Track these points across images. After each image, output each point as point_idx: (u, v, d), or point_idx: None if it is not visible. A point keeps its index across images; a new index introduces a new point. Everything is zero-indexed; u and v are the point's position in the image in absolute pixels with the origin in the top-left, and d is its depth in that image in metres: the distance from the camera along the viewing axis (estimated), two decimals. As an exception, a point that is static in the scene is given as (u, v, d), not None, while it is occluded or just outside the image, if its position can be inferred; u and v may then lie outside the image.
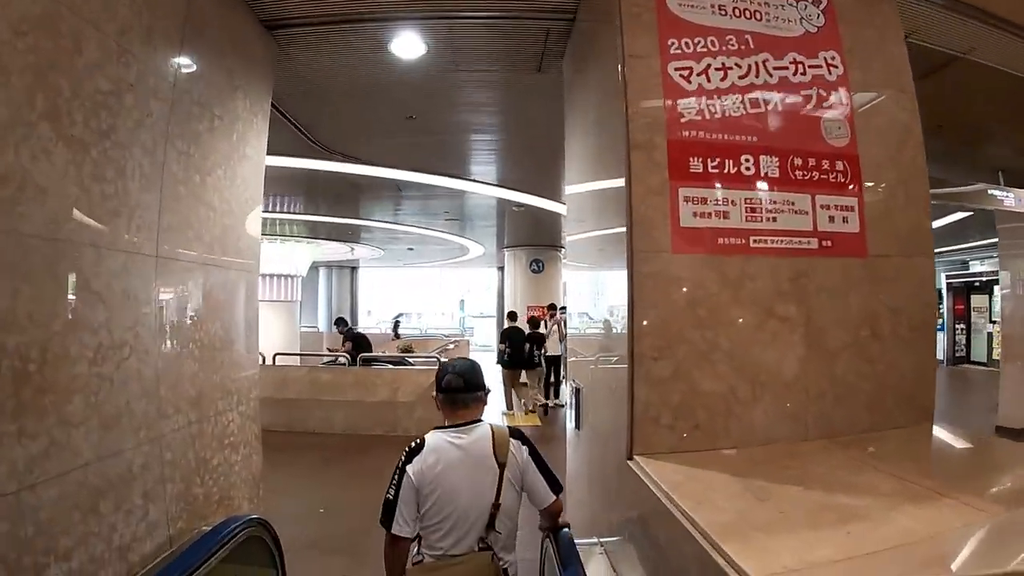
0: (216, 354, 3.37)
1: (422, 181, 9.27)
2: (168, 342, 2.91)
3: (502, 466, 2.61)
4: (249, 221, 3.86)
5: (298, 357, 12.39)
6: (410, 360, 12.37)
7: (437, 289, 35.67)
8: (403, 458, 2.67)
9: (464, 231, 16.04)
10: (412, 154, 8.24)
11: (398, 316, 25.36)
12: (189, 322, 3.12)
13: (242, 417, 3.70)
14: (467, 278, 33.54)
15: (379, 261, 25.35)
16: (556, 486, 2.75)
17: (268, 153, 4.16)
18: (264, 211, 12.16)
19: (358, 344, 11.88)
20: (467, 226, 15.05)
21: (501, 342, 12.43)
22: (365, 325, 25.97)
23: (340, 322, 13.71)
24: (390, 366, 11.67)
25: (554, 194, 10.48)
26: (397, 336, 19.93)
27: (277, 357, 11.82)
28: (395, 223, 14.11)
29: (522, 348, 11.88)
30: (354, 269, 27.92)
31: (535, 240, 17.26)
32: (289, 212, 12.73)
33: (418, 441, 2.72)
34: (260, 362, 11.13)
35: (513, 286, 18.14)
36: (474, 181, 9.57)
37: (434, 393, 2.89)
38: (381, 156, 8.32)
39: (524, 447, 2.72)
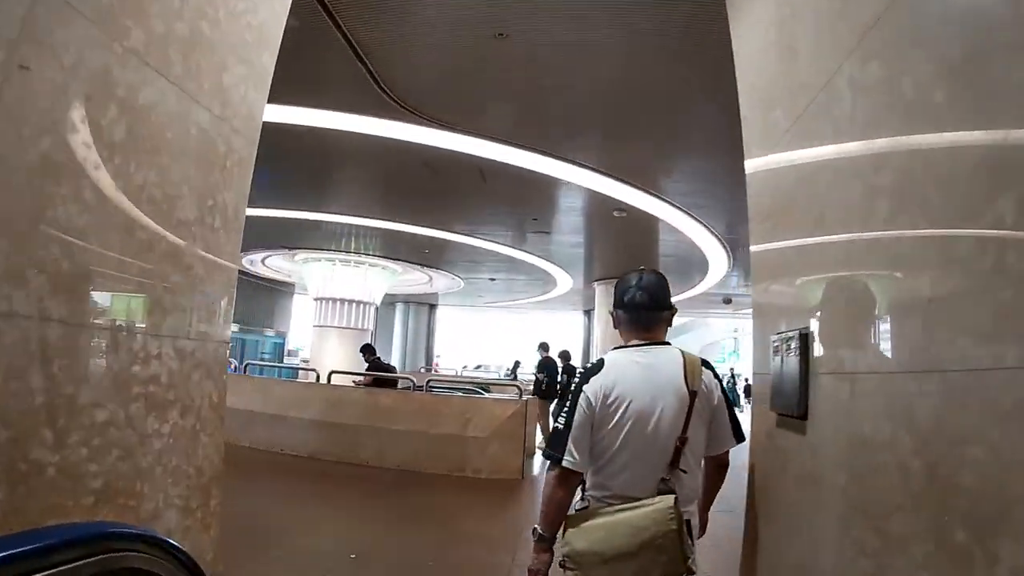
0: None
1: (510, 162, 7.76)
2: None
3: (693, 394, 2.08)
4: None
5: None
6: (483, 388, 10.80)
7: (520, 338, 34.45)
8: (578, 379, 2.20)
9: (551, 255, 14.44)
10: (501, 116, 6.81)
11: (517, 361, 24.05)
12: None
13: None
14: (552, 325, 32.13)
15: (459, 298, 24.12)
16: (740, 434, 2.24)
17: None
18: (335, 214, 11.99)
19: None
20: (556, 247, 13.47)
21: (539, 371, 11.97)
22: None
23: (368, 349, 12.67)
24: (460, 394, 10.07)
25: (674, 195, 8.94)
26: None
27: (333, 375, 10.73)
28: (476, 234, 12.64)
29: (555, 379, 11.70)
30: (432, 307, 26.67)
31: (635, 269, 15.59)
32: (361, 215, 11.61)
33: (595, 361, 2.25)
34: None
35: (604, 330, 16.39)
36: (572, 163, 7.96)
37: (611, 310, 2.36)
38: (465, 118, 6.91)
39: (717, 381, 2.21)
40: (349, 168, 9.14)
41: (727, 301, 19.82)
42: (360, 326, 17.12)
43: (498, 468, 8.34)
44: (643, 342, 2.23)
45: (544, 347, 12.55)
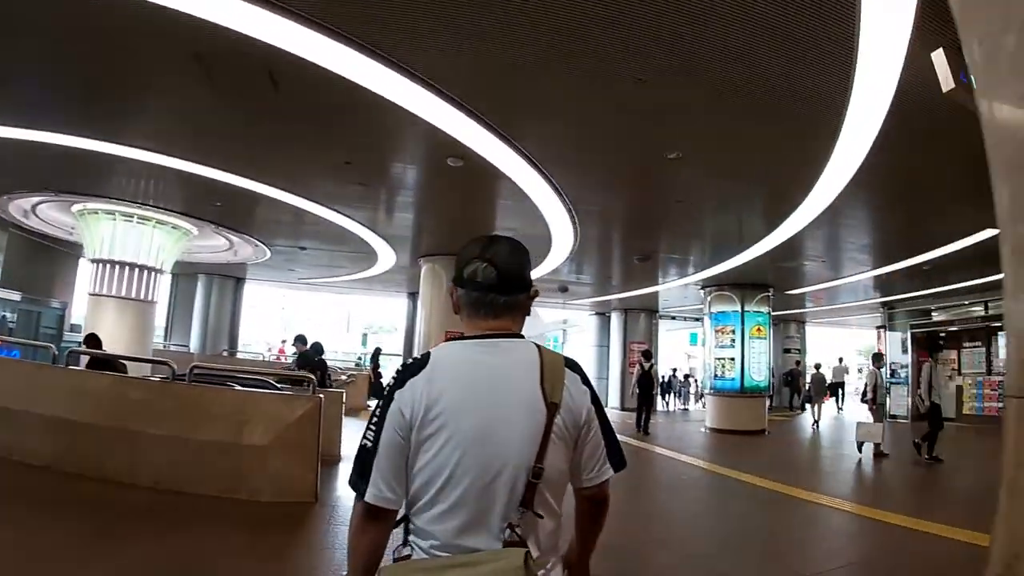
0: None
1: (313, 58, 5.57)
2: None
3: (553, 408, 1.57)
4: None
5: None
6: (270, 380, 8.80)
7: (336, 323, 32.28)
8: (393, 381, 1.64)
9: (373, 222, 12.34)
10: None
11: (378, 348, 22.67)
12: None
13: None
14: (371, 311, 30.09)
15: (269, 272, 21.40)
16: (619, 459, 1.73)
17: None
18: (105, 140, 8.34)
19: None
20: (376, 209, 11.45)
21: (298, 366, 11.25)
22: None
23: (302, 340, 11.75)
24: (238, 387, 7.93)
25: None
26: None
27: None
28: (271, 181, 9.97)
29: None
30: (239, 281, 23.68)
31: (453, 248, 13.83)
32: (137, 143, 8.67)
33: (419, 356, 1.65)
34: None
35: (429, 314, 14.58)
36: (401, 69, 5.79)
37: (451, 287, 1.76)
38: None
39: (586, 388, 1.67)
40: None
41: (563, 289, 18.69)
42: (145, 297, 14.21)
43: (284, 488, 6.40)
44: (488, 334, 1.66)
45: (301, 340, 11.88)
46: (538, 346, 1.69)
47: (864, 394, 12.61)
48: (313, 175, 9.65)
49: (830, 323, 32.11)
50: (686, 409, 26.45)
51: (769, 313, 17.22)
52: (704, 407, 27.01)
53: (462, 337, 1.71)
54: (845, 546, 6.23)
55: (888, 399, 12.35)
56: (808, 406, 19.47)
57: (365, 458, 1.59)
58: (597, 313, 26.34)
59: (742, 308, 16.70)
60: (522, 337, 1.71)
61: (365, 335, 52.99)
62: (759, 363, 16.71)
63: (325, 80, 5.90)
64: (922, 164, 7.98)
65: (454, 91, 6.17)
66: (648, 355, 17.31)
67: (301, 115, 7.08)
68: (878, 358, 13.47)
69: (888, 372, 22.05)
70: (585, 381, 1.69)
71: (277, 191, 10.22)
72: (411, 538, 1.60)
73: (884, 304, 22.26)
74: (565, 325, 36.17)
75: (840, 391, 26.67)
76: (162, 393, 7.32)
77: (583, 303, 23.42)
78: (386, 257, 15.66)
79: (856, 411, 26.71)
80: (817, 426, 18.26)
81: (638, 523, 6.79)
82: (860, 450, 12.01)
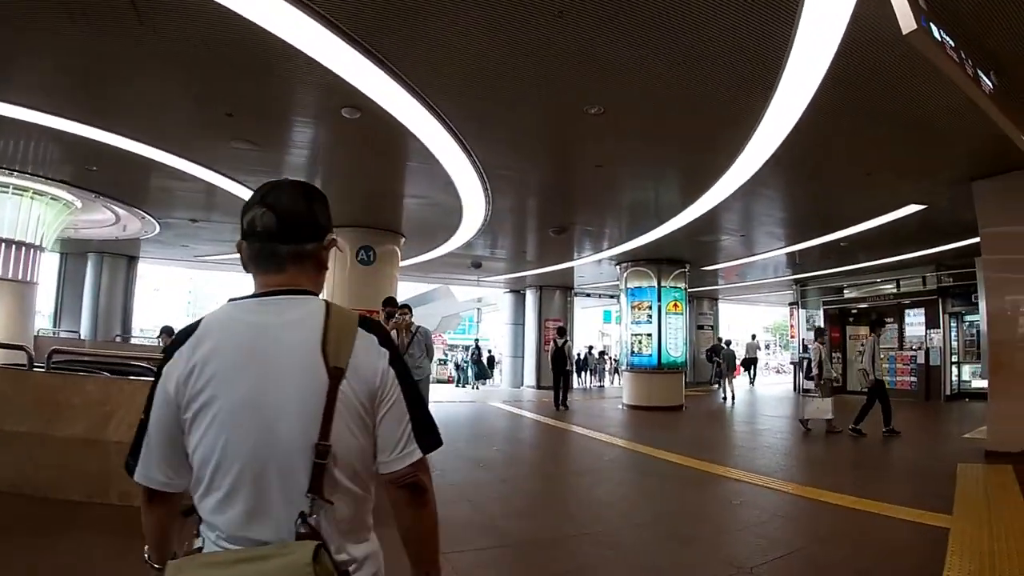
0: None
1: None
2: None
3: (336, 374, 1.35)
4: None
5: None
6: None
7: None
8: (163, 353, 1.51)
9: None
10: None
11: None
12: None
13: None
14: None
15: (163, 249, 19.89)
16: (429, 436, 1.48)
17: None
18: None
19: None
20: (268, 171, 10.19)
21: None
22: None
23: (168, 331, 11.08)
24: (107, 374, 7.01)
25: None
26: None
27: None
28: (149, 139, 8.77)
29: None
30: (132, 259, 21.94)
31: (367, 219, 13.05)
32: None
33: (189, 324, 1.46)
34: None
35: (331, 295, 13.68)
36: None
37: (238, 243, 1.50)
38: None
39: (385, 350, 1.45)
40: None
41: (476, 265, 18.07)
42: (23, 277, 12.87)
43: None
44: (270, 291, 1.44)
45: (168, 331, 11.30)
46: (328, 303, 1.44)
47: (809, 370, 12.36)
48: (193, 131, 8.49)
49: (742, 300, 32.70)
50: (601, 386, 26.36)
51: (685, 289, 17.06)
52: (620, 384, 27.23)
53: (241, 298, 1.47)
54: (792, 532, 5.79)
55: (833, 373, 12.07)
56: (720, 381, 19.52)
57: (137, 436, 1.45)
58: (512, 290, 25.85)
59: (658, 284, 16.46)
60: (310, 294, 1.47)
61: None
62: (676, 339, 16.53)
63: (196, 7, 5.05)
64: (845, 138, 7.82)
65: (346, 23, 5.33)
66: (562, 332, 17.33)
67: (173, 55, 6.05)
68: (820, 333, 13.30)
69: (800, 348, 22.54)
70: (386, 343, 1.46)
71: (156, 151, 9.05)
72: (202, 528, 1.40)
73: (797, 281, 22.62)
74: (479, 304, 35.62)
75: (753, 366, 27.61)
76: (16, 383, 6.33)
77: (497, 280, 22.85)
78: None
79: (770, 385, 27.85)
80: (730, 401, 18.44)
81: (561, 512, 6.30)
82: (806, 426, 11.77)
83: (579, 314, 29.75)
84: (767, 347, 52.46)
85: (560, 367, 16.31)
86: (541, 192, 10.77)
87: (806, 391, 12.75)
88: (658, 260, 16.41)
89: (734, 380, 21.20)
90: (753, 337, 29.38)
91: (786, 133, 7.37)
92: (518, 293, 25.55)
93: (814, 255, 16.19)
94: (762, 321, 65.76)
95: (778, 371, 47.02)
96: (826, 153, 8.47)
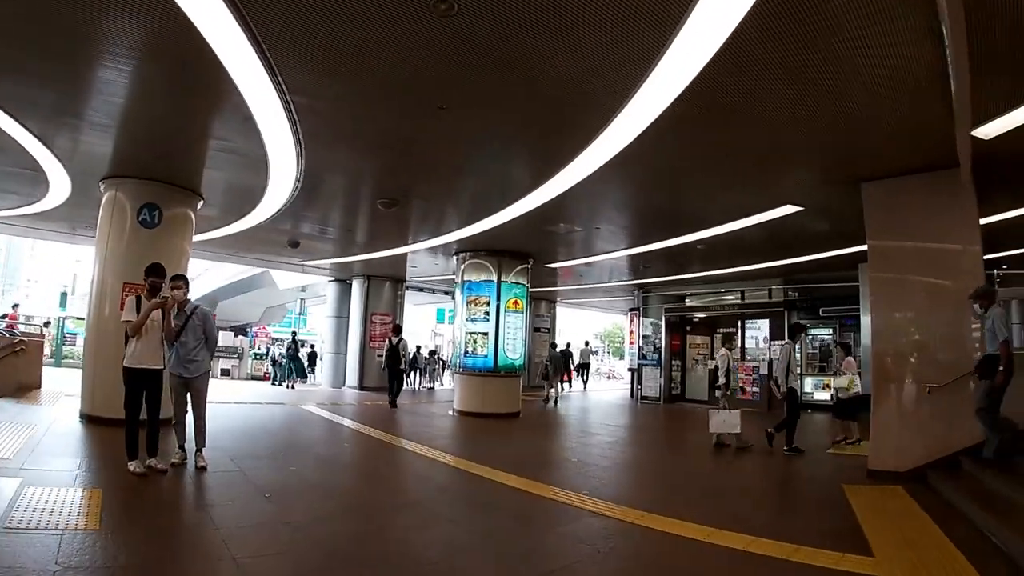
0: None
1: None
2: None
3: None
4: None
5: None
6: None
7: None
8: None
9: (26, 116, 8.14)
10: None
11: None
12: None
13: None
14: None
15: None
16: None
17: None
18: None
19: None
20: (28, 87, 7.39)
21: None
22: None
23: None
24: None
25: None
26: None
27: None
28: None
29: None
30: None
31: (153, 169, 10.31)
32: None
33: None
34: None
35: (104, 260, 10.80)
36: None
37: None
38: None
39: None
40: None
41: (293, 244, 15.60)
42: None
43: None
44: None
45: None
46: None
47: (715, 379, 11.09)
48: None
49: (580, 305, 32.00)
50: (431, 388, 24.44)
51: (527, 286, 15.51)
52: (452, 386, 25.48)
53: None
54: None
55: (736, 384, 10.89)
56: (545, 383, 18.41)
57: None
58: (337, 279, 23.36)
59: (499, 278, 14.76)
60: None
61: (64, 294, 45.23)
62: (515, 339, 14.90)
63: None
64: (728, 115, 6.67)
65: None
66: (398, 330, 16.86)
67: None
68: (728, 338, 12.10)
69: (639, 354, 21.85)
70: None
71: None
72: None
73: (640, 287, 21.88)
74: (304, 293, 32.59)
75: (586, 371, 28.64)
76: None
77: (323, 264, 20.18)
78: (59, 181, 11.51)
79: (605, 391, 27.36)
80: (552, 403, 18.25)
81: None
82: (717, 441, 10.54)
83: (410, 311, 27.75)
84: (595, 353, 52.89)
85: (394, 366, 15.82)
86: (367, 144, 8.45)
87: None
88: (500, 252, 14.77)
89: (563, 384, 21.38)
90: (587, 343, 29.89)
91: (662, 108, 6.35)
92: (344, 283, 23.07)
93: (665, 258, 15.21)
94: (593, 327, 66.97)
95: (609, 376, 47.38)
96: (702, 132, 7.31)
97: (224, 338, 28.33)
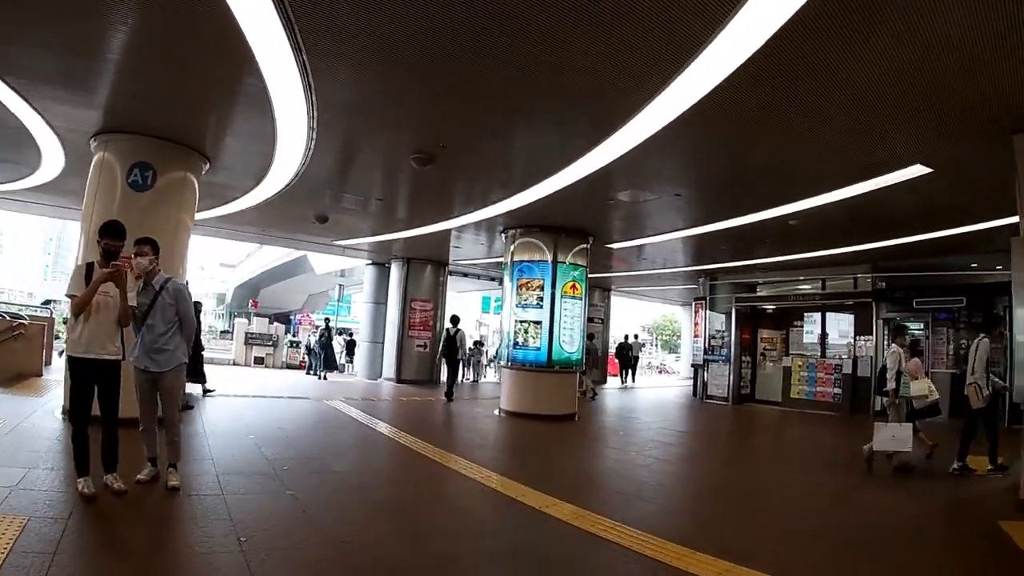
0: None
1: None
2: None
3: None
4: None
5: None
6: None
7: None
8: None
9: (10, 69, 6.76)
10: None
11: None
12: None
13: None
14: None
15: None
16: None
17: None
18: None
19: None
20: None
21: None
22: None
23: None
24: None
25: None
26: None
27: None
28: None
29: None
30: None
31: (147, 122, 8.59)
32: None
33: None
34: None
35: (91, 220, 8.98)
36: None
37: None
38: None
39: None
40: None
41: (322, 219, 13.80)
42: None
43: None
44: None
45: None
46: None
47: (883, 382, 8.94)
48: None
49: (629, 293, 29.76)
50: (475, 381, 22.53)
51: (586, 268, 13.43)
52: (497, 378, 23.57)
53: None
54: None
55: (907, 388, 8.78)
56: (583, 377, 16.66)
57: None
58: (375, 262, 21.59)
59: (555, 258, 12.71)
60: None
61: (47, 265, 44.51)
62: (572, 329, 12.84)
63: None
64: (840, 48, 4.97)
65: None
66: (456, 320, 16.06)
67: None
68: (900, 331, 9.77)
69: (705, 349, 19.73)
70: None
71: None
72: None
73: (705, 273, 19.65)
74: (343, 279, 30.95)
75: (633, 365, 27.00)
76: None
77: (360, 245, 18.29)
78: (54, 154, 10.11)
79: (659, 387, 25.26)
80: (592, 397, 16.97)
81: None
82: (870, 465, 8.35)
83: (453, 298, 25.97)
84: (642, 346, 50.60)
85: (452, 357, 15.52)
86: (393, 65, 6.45)
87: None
88: (555, 229, 12.73)
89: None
90: (636, 337, 29.11)
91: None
92: (382, 266, 21.29)
93: (744, 237, 13.00)
94: (640, 319, 64.42)
95: (660, 371, 45.07)
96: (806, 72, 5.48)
97: (259, 324, 27.03)
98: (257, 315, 32.72)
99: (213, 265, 79.21)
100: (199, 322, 12.49)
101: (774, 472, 8.76)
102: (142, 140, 8.94)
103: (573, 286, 12.81)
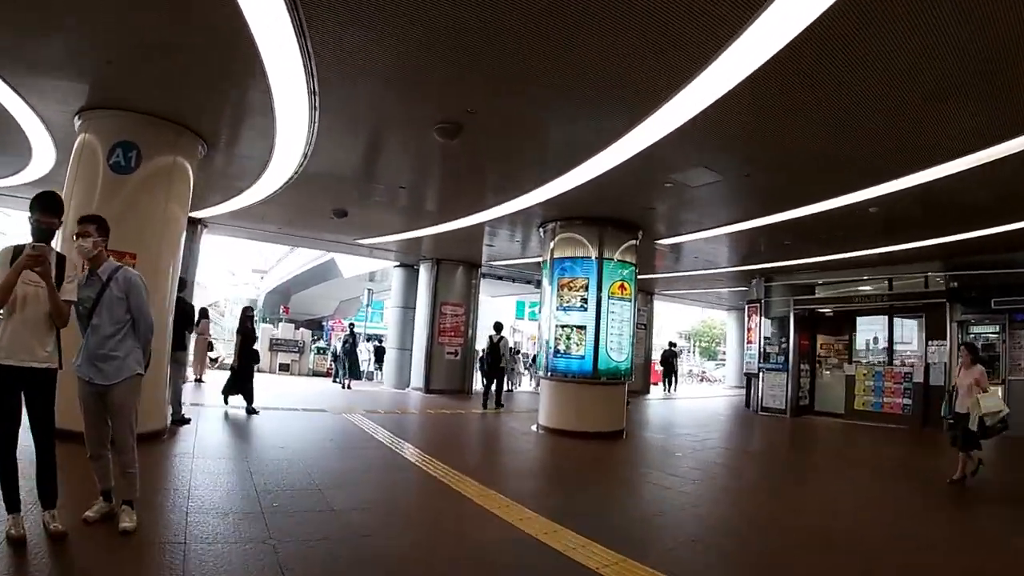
0: None
1: None
2: None
3: None
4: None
5: None
6: None
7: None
8: None
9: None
10: None
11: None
12: None
13: None
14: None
15: None
16: None
17: None
18: None
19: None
20: None
21: None
22: None
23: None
24: None
25: None
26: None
27: None
28: None
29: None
30: None
31: (131, 94, 7.42)
32: None
33: None
34: None
35: (68, 207, 7.70)
36: None
37: None
38: None
39: None
40: None
41: (340, 213, 12.54)
42: None
43: None
44: None
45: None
46: None
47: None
48: None
49: (670, 297, 27.98)
50: (510, 390, 21.04)
51: (635, 267, 11.95)
52: (532, 386, 22.15)
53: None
54: None
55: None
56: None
57: None
58: (403, 264, 20.30)
59: (600, 255, 11.27)
60: None
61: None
62: (620, 335, 11.35)
63: None
64: None
65: None
66: (499, 327, 15.69)
67: None
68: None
69: (760, 356, 18.11)
70: None
71: None
72: None
73: (760, 273, 18.01)
74: (372, 283, 29.74)
75: (674, 374, 26.35)
76: None
77: (386, 243, 16.81)
78: (38, 137, 9.11)
79: (707, 397, 23.46)
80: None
81: None
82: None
83: (486, 304, 24.64)
84: (678, 353, 48.80)
85: (495, 365, 15.12)
86: (405, 50, 5.22)
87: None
88: (600, 222, 11.29)
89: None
90: (674, 345, 28.52)
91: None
92: (411, 268, 19.99)
93: (811, 229, 11.38)
94: (677, 324, 62.29)
95: (702, 379, 43.24)
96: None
97: (284, 330, 25.99)
98: (289, 321, 31.89)
99: (246, 271, 79.01)
100: (252, 330, 11.37)
101: (890, 511, 7.17)
102: (126, 116, 7.81)
103: (622, 286, 11.33)
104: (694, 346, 67.38)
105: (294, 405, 12.81)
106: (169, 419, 8.70)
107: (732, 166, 8.30)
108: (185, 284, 10.11)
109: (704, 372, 46.96)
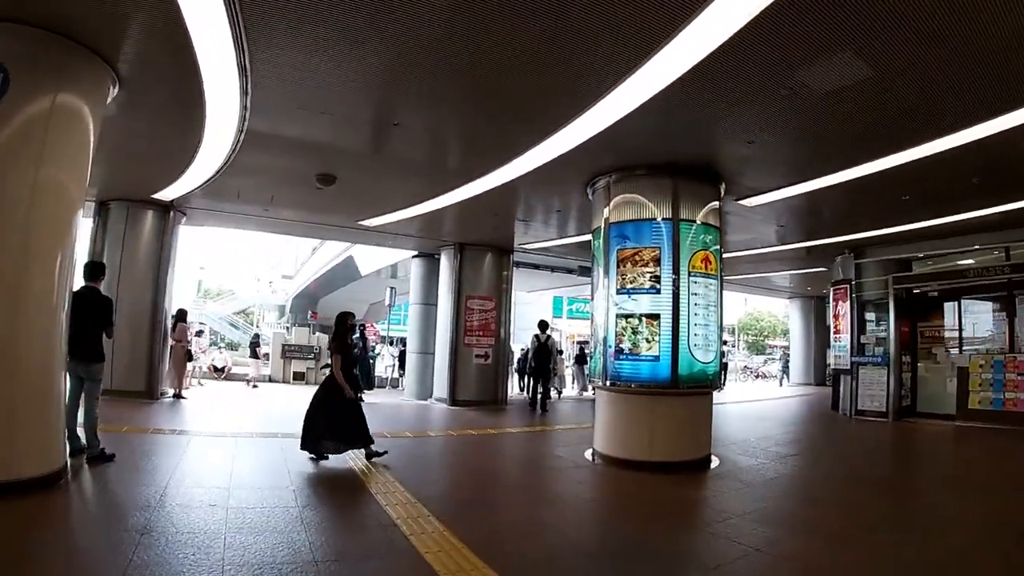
0: None
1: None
2: None
3: None
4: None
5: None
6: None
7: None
8: None
9: None
10: None
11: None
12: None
13: None
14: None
15: None
16: None
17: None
18: None
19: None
20: None
21: None
22: None
23: None
24: None
25: None
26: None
27: None
28: None
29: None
30: None
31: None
32: None
33: None
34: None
35: None
36: None
37: None
38: None
39: None
40: None
41: (326, 179, 9.61)
42: None
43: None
44: None
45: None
46: None
47: None
48: None
49: (746, 285, 24.73)
50: (556, 397, 18.06)
51: (720, 231, 8.78)
52: (575, 389, 19.40)
53: None
54: None
55: None
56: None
57: None
58: (422, 253, 17.40)
59: (675, 215, 8.15)
60: None
61: None
62: (707, 326, 8.14)
63: None
64: None
65: None
66: (544, 326, 15.44)
67: None
68: None
69: (853, 349, 14.93)
70: None
71: None
72: None
73: (848, 246, 14.73)
74: (394, 280, 26.89)
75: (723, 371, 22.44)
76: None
77: (398, 224, 13.59)
78: None
79: (765, 398, 20.20)
80: None
81: None
82: None
83: (517, 302, 21.72)
84: (731, 348, 45.32)
85: (543, 367, 14.70)
86: None
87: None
88: (672, 170, 8.15)
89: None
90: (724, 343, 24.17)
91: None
92: (431, 258, 17.06)
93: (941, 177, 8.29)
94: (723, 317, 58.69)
95: (758, 376, 39.82)
96: None
97: (297, 335, 23.45)
98: (303, 325, 29.46)
99: (276, 277, 77.65)
100: (362, 334, 8.57)
101: None
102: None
103: (706, 258, 8.17)
104: (738, 340, 63.50)
105: (277, 430, 9.73)
106: (82, 456, 6.57)
107: (887, 56, 5.24)
108: (101, 272, 7.35)
109: (760, 369, 43.33)
